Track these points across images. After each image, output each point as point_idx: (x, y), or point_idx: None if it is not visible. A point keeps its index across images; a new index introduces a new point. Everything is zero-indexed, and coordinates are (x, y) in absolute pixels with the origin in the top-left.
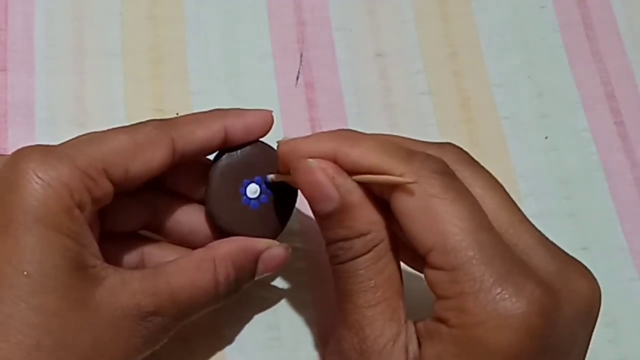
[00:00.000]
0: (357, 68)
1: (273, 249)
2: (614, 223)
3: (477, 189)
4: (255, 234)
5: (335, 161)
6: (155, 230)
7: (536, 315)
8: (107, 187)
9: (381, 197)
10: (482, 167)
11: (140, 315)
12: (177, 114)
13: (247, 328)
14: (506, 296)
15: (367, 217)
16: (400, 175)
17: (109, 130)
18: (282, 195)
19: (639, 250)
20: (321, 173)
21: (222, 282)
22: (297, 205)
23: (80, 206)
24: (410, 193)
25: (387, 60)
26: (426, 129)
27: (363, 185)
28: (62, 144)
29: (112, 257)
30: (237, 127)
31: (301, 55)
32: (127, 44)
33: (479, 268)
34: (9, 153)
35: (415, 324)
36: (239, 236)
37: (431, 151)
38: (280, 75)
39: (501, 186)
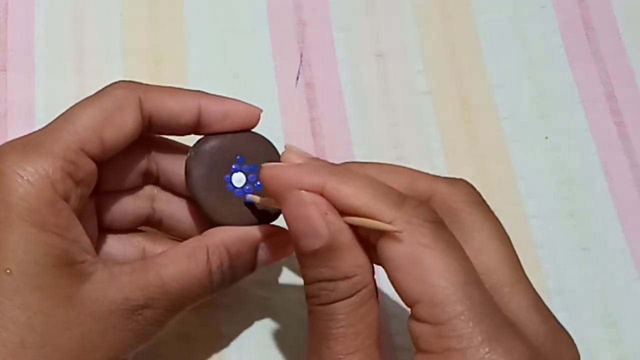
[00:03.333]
0: (357, 68)
1: (276, 237)
2: (614, 223)
3: (484, 236)
4: (254, 222)
5: (322, 195)
6: (156, 227)
7: None
8: (88, 166)
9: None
10: (492, 212)
11: (129, 309)
12: None
13: (247, 328)
14: (494, 356)
15: (354, 259)
16: (389, 222)
17: (76, 105)
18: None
19: (639, 250)
20: (314, 208)
21: (215, 271)
22: None
23: (66, 196)
24: (399, 241)
25: (387, 60)
26: (426, 129)
27: (352, 225)
28: (37, 132)
29: (113, 255)
30: (213, 111)
31: (301, 55)
32: (127, 44)
33: (467, 324)
34: None
35: None
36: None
37: (441, 187)
38: (280, 75)
39: (508, 237)
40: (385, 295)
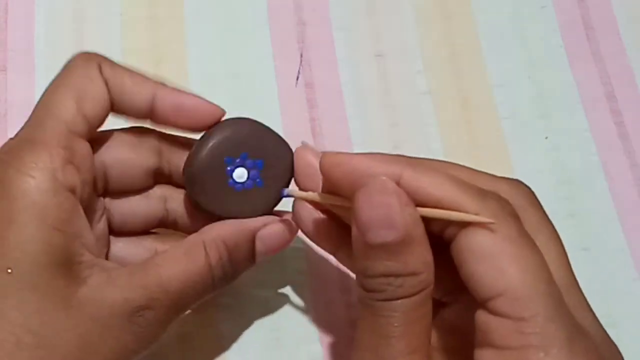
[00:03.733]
0: (357, 68)
1: (272, 226)
2: (614, 223)
3: (544, 237)
4: (254, 213)
5: (398, 185)
6: (172, 227)
7: None
8: (82, 147)
9: (437, 234)
10: (547, 215)
11: (129, 310)
12: None
13: (247, 328)
14: (573, 356)
15: (424, 256)
16: (475, 214)
17: (48, 91)
18: (273, 169)
19: (639, 250)
20: (395, 197)
21: (215, 265)
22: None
23: (68, 184)
24: (487, 232)
25: (387, 60)
26: (426, 129)
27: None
28: (23, 129)
29: (123, 258)
30: (168, 102)
31: (301, 55)
32: (127, 44)
33: (551, 323)
34: None
35: None
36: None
37: (502, 186)
38: (280, 76)
39: (561, 240)
40: None
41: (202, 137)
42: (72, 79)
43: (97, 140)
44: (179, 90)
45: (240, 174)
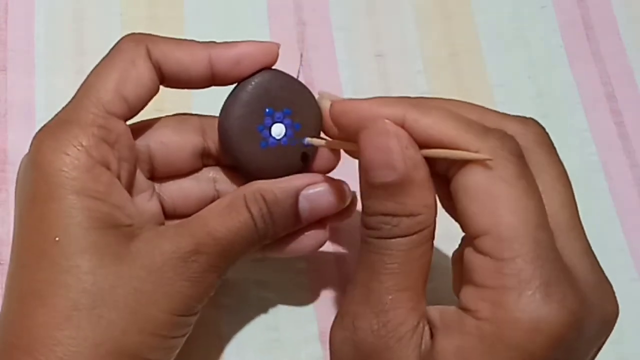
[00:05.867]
0: (357, 68)
1: (318, 185)
2: (614, 223)
3: (550, 178)
4: (292, 170)
5: (402, 128)
6: None
7: (571, 327)
8: (118, 127)
9: (441, 174)
10: (558, 156)
11: (181, 256)
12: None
13: (247, 328)
14: (549, 302)
15: (423, 198)
16: (475, 152)
17: (92, 72)
18: (307, 121)
19: (639, 250)
20: (395, 139)
21: (257, 215)
22: None
23: (103, 162)
24: (483, 171)
25: (387, 60)
26: None
27: (427, 159)
28: (64, 108)
29: None
30: (225, 59)
31: (301, 55)
32: None
33: (529, 266)
34: (9, 153)
35: (428, 311)
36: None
37: (511, 125)
38: None
39: (570, 183)
40: None
41: (229, 95)
42: (116, 60)
43: (140, 127)
44: (229, 44)
45: (278, 130)
